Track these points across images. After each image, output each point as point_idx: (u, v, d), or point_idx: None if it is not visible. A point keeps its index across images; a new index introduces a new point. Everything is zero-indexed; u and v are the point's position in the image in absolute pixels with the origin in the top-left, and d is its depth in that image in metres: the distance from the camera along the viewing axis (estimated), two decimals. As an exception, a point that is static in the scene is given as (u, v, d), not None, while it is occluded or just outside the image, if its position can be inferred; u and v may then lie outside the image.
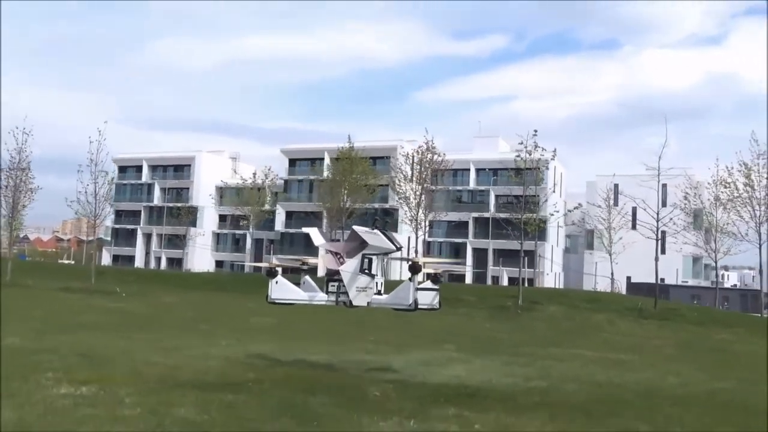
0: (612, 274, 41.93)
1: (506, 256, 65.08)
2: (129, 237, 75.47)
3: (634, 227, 47.81)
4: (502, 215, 57.14)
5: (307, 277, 8.80)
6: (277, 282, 8.39)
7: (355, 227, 8.02)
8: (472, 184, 67.42)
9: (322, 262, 8.20)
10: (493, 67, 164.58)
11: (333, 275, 8.05)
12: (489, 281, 65.38)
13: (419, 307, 7.70)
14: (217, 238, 74.63)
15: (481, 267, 66.84)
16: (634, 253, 54.62)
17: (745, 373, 11.33)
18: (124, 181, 74.77)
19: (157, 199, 75.37)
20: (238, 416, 5.92)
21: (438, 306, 7.74)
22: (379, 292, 7.87)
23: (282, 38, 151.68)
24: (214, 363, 9.26)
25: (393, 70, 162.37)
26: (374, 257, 7.89)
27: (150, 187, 76.30)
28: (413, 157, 35.01)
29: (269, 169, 61.40)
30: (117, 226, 75.53)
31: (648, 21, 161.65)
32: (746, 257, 29.95)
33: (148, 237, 75.20)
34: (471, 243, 66.79)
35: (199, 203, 71.48)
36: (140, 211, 75.18)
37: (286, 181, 66.59)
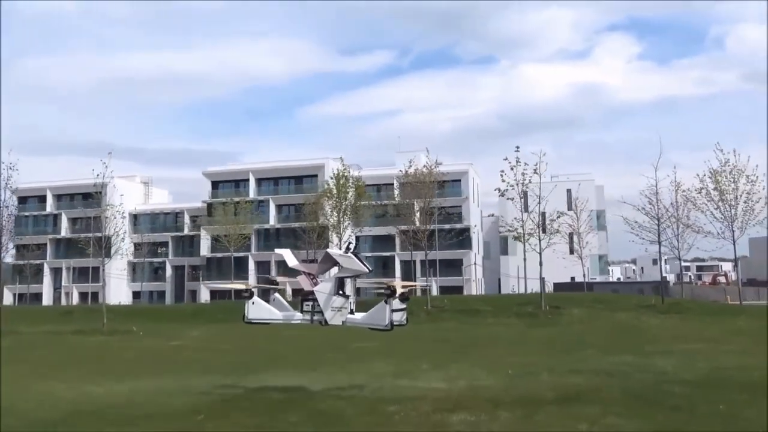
0: (541, 275, 44.00)
1: (434, 267, 66.61)
2: (34, 273, 70.60)
3: (544, 231, 50.65)
4: (427, 227, 58.69)
5: (277, 295, 8.93)
6: (253, 302, 8.51)
7: (329, 250, 8.40)
8: (396, 198, 68.42)
9: (301, 284, 8.41)
10: (379, 82, 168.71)
11: (307, 295, 8.28)
12: (418, 292, 66.55)
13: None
14: (133, 267, 71.32)
15: (410, 278, 67.91)
16: (546, 255, 57.83)
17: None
18: (26, 213, 69.95)
19: (64, 230, 71.11)
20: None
21: (405, 322, 7.96)
22: (351, 311, 8.13)
23: (167, 55, 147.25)
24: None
25: (282, 87, 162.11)
26: (348, 279, 8.25)
27: (56, 217, 71.91)
28: (338, 173, 35.16)
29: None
30: (20, 262, 70.52)
31: (521, 38, 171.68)
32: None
33: (56, 271, 70.73)
34: (399, 255, 67.68)
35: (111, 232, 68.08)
36: (46, 244, 70.56)
37: (209, 205, 64.81)
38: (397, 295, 7.89)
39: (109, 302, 60.62)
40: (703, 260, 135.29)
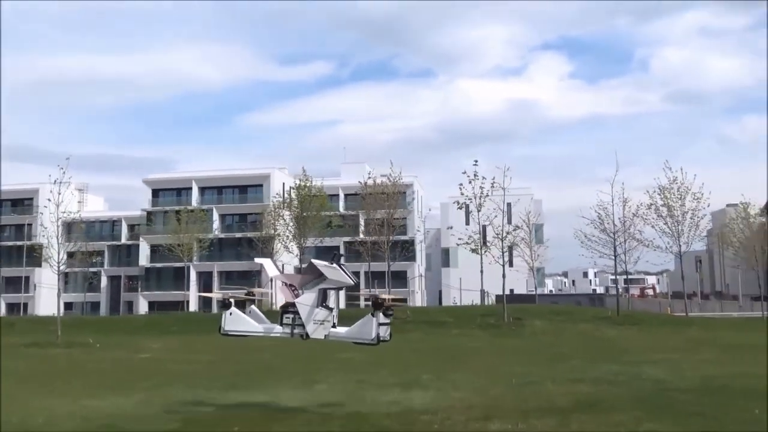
0: (504, 288, 44.96)
1: (379, 278, 66.77)
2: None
3: (484, 244, 51.87)
4: (372, 238, 58.97)
5: (254, 308, 8.48)
6: (231, 314, 8.07)
7: (313, 260, 8.00)
8: (341, 209, 68.38)
9: (281, 294, 8.12)
10: (318, 92, 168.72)
11: (288, 307, 7.88)
12: (362, 304, 66.54)
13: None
14: (66, 277, 68.20)
15: (355, 289, 67.76)
16: (485, 267, 59.13)
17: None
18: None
19: (-10, 238, 67.42)
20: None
21: (389, 338, 7.74)
22: (334, 325, 7.79)
23: (96, 58, 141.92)
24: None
25: (217, 94, 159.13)
26: (331, 290, 7.93)
27: (-20, 224, 68.13)
28: (286, 186, 35.09)
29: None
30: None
31: (459, 53, 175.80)
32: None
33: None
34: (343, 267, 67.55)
35: (44, 240, 65.05)
36: (-31, 252, 66.67)
37: (149, 213, 62.87)
38: (383, 308, 7.61)
39: (39, 313, 57.93)
40: (630, 273, 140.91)
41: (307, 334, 7.74)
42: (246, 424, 7.80)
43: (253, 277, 58.94)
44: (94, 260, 69.46)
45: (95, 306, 66.78)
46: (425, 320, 25.81)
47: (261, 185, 62.82)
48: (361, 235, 64.31)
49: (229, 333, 8.15)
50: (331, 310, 7.75)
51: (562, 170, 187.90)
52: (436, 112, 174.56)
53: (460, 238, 32.14)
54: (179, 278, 61.61)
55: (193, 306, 60.46)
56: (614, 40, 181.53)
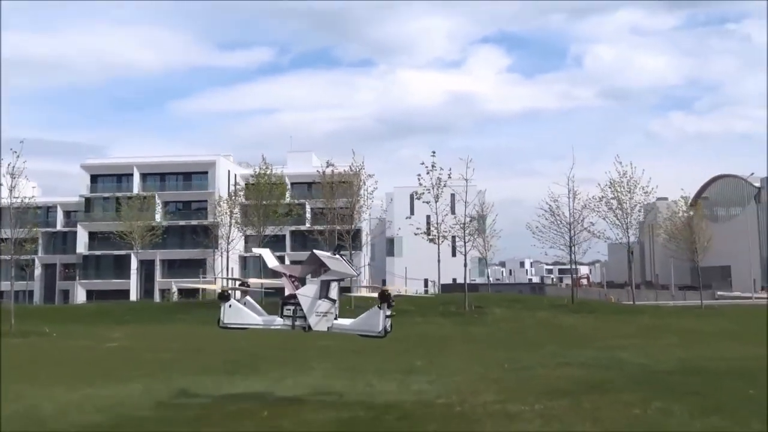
0: (466, 276, 45.81)
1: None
2: None
3: (428, 233, 52.87)
4: (319, 227, 58.94)
5: (249, 298, 8.30)
6: (230, 306, 7.84)
7: (315, 251, 7.91)
8: (288, 198, 67.81)
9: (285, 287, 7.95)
10: (257, 79, 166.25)
11: (289, 299, 7.74)
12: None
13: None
14: (-3, 265, 65.12)
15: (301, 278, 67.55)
16: (430, 256, 60.25)
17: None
18: None
19: None
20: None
21: (390, 329, 7.74)
22: (335, 317, 7.69)
23: (23, 38, 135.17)
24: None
25: (153, 79, 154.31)
26: (333, 282, 7.70)
27: None
28: (232, 173, 34.74)
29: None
30: None
31: (400, 44, 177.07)
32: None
33: None
34: (289, 256, 67.07)
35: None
36: None
37: (87, 199, 60.63)
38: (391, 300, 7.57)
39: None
40: (563, 264, 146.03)
41: (309, 326, 7.64)
42: (276, 410, 7.87)
43: (198, 266, 57.94)
44: (27, 247, 66.82)
45: (29, 295, 64.06)
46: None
47: (206, 172, 61.58)
48: (307, 224, 64.50)
49: (229, 326, 7.98)
50: (334, 301, 7.62)
51: (498, 162, 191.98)
52: (376, 102, 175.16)
53: (418, 228, 32.62)
54: (120, 267, 59.82)
55: (133, 295, 58.83)
56: (550, 36, 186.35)
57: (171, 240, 62.70)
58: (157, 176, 61.88)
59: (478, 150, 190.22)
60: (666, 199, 62.34)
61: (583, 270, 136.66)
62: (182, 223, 60.61)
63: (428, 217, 61.51)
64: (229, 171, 63.33)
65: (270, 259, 8.49)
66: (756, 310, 29.38)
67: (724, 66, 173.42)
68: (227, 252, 41.46)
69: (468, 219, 32.00)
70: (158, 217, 62.28)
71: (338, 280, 7.81)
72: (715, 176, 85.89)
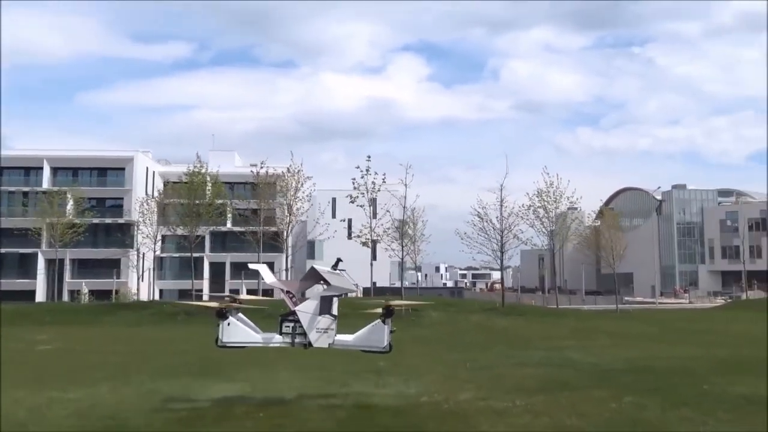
0: (402, 278, 46.06)
1: (244, 269, 65.73)
2: None
3: (350, 237, 53.49)
4: (240, 228, 58.11)
5: (242, 315, 8.14)
6: (229, 324, 7.72)
7: (315, 266, 7.94)
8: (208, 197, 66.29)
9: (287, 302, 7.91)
10: (174, 74, 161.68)
11: (288, 315, 7.72)
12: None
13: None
14: None
15: (219, 281, 66.26)
16: (350, 261, 60.54)
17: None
18: None
19: None
20: None
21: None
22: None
23: None
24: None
25: (60, 67, 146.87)
26: (335, 297, 7.70)
27: None
28: (150, 171, 33.90)
29: None
30: None
31: (323, 46, 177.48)
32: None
33: None
34: (208, 257, 65.61)
35: None
36: None
37: (-9, 193, 56.97)
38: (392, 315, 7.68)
39: None
40: (476, 269, 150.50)
41: (309, 343, 7.63)
42: (269, 411, 7.89)
43: (112, 266, 55.55)
44: None
45: None
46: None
47: (123, 169, 59.25)
48: (229, 225, 63.25)
49: (227, 345, 7.87)
50: (335, 317, 7.62)
51: (416, 168, 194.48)
52: (297, 103, 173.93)
53: (360, 233, 32.71)
54: (25, 265, 56.48)
55: (40, 296, 55.63)
56: (470, 48, 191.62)
57: (83, 238, 59.87)
58: (69, 171, 58.88)
59: (397, 156, 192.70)
60: (576, 209, 65.80)
61: (496, 275, 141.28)
62: (96, 221, 57.94)
63: (350, 220, 62.36)
64: (147, 168, 61.21)
65: (267, 275, 8.44)
66: (665, 314, 31.56)
67: (628, 86, 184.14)
68: (153, 252, 40.10)
69: (401, 223, 32.54)
70: (71, 213, 59.54)
71: (338, 296, 7.82)
72: (621, 189, 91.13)
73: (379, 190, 31.04)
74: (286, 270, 70.20)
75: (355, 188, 30.86)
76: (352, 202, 31.64)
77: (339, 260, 8.22)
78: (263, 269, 8.60)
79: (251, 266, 9.17)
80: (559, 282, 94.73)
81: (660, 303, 52.00)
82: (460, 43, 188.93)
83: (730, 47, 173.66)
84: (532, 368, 11.75)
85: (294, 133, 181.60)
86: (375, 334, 7.72)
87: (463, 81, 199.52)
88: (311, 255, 78.84)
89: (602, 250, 39.01)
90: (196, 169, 32.19)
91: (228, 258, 67.99)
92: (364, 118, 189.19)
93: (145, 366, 12.75)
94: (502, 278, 33.59)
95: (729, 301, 53.76)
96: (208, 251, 65.70)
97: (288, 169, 31.37)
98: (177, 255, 63.92)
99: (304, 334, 7.60)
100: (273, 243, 42.84)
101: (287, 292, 8.02)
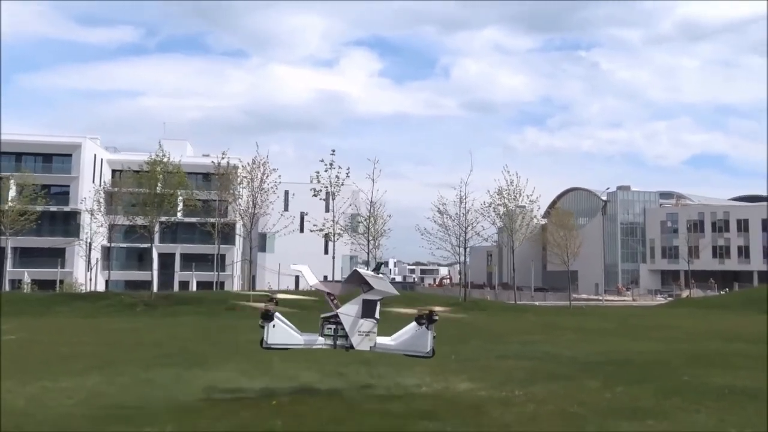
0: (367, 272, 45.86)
1: (195, 260, 64.76)
2: None
3: (302, 230, 53.49)
4: (191, 219, 57.23)
5: (279, 314, 8.04)
6: (274, 326, 7.72)
7: (358, 269, 8.12)
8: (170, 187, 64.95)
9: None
10: (119, 59, 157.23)
11: (329, 318, 7.83)
12: (177, 287, 64.05)
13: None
14: None
15: (168, 272, 65.05)
16: (301, 254, 60.57)
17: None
18: None
19: None
20: None
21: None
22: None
23: None
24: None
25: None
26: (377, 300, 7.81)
27: None
28: (98, 158, 33.20)
29: None
30: None
31: (274, 38, 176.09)
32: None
33: None
34: (157, 248, 64.09)
35: None
36: None
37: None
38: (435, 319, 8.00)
39: None
40: (425, 264, 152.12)
41: (351, 346, 7.79)
42: (285, 401, 7.94)
43: (56, 255, 53.78)
44: None
45: None
46: (289, 303, 26.12)
47: (70, 155, 57.35)
48: (179, 215, 62.03)
49: (272, 346, 7.81)
50: (377, 321, 7.78)
51: (366, 164, 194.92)
52: (246, 94, 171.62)
53: (314, 225, 32.75)
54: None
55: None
56: (422, 45, 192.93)
57: (35, 226, 57.63)
58: (12, 156, 56.60)
59: (346, 150, 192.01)
60: (524, 207, 67.40)
61: (443, 271, 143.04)
62: (40, 208, 55.90)
63: (302, 213, 61.97)
64: (95, 155, 59.44)
65: (310, 276, 8.35)
66: (616, 310, 32.78)
67: (573, 89, 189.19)
68: (109, 241, 39.06)
69: (368, 218, 32.74)
70: (15, 200, 57.17)
71: (380, 300, 7.91)
72: (568, 188, 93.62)
73: (342, 184, 31.09)
74: (245, 261, 69.50)
75: (319, 181, 30.81)
76: (315, 195, 31.59)
77: (380, 264, 8.51)
78: (305, 270, 8.46)
79: (293, 267, 9.02)
80: (506, 278, 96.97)
81: (605, 300, 53.85)
82: (413, 40, 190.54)
83: (669, 56, 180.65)
84: (515, 360, 12.10)
85: (242, 124, 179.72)
86: (419, 339, 8.00)
87: (414, 77, 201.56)
88: (262, 248, 78.21)
89: (555, 247, 40.07)
90: (158, 158, 31.49)
91: (178, 249, 66.90)
92: (313, 111, 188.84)
93: (126, 356, 12.57)
94: (463, 274, 34.16)
95: (670, 299, 56.15)
96: (158, 242, 64.28)
97: (253, 160, 31.06)
98: (125, 245, 62.43)
99: (345, 336, 7.74)
100: (226, 235, 42.26)
101: (329, 294, 8.12)
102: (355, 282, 7.99)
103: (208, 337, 16.91)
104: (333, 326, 7.79)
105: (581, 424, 6.86)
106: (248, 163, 31.24)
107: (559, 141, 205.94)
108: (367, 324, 7.72)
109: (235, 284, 69.32)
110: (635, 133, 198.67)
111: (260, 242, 79.82)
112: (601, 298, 57.15)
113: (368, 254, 29.86)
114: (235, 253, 67.68)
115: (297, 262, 8.52)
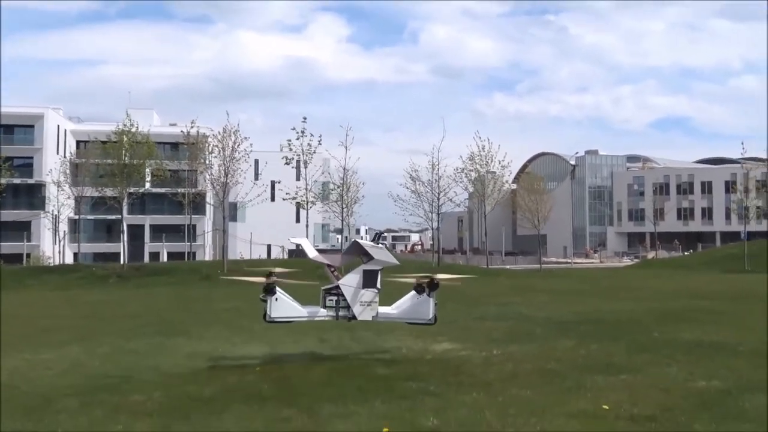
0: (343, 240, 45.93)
1: (164, 231, 64.19)
2: None
3: (273, 199, 53.39)
4: (160, 190, 56.56)
5: (279, 289, 8.01)
6: (276, 299, 7.76)
7: (358, 240, 8.18)
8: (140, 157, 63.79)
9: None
10: (78, 26, 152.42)
11: (331, 289, 7.91)
12: (147, 258, 63.44)
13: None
14: None
15: (137, 244, 64.31)
16: (273, 222, 60.68)
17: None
18: None
19: None
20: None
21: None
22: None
23: None
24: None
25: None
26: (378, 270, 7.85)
27: None
28: (122, 129, 32.51)
29: None
30: None
31: (240, 3, 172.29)
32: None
33: None
34: (126, 219, 63.24)
35: None
36: None
37: None
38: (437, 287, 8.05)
39: None
40: (396, 231, 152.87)
41: (353, 316, 7.85)
42: (277, 367, 8.06)
43: (21, 229, 52.80)
44: None
45: None
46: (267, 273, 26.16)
47: (32, 126, 55.87)
48: (148, 186, 61.16)
49: (276, 320, 7.83)
50: (378, 290, 7.83)
51: (334, 131, 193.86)
52: (211, 61, 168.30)
53: (287, 193, 32.61)
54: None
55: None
56: (390, 10, 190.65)
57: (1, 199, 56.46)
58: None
59: (316, 117, 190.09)
60: (494, 173, 68.10)
61: (414, 237, 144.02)
62: (3, 181, 54.56)
63: (273, 182, 61.53)
64: (58, 126, 58.02)
65: (310, 249, 8.39)
66: (586, 272, 33.50)
67: (542, 54, 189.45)
68: (78, 213, 38.49)
69: (341, 185, 32.66)
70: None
71: (380, 270, 7.93)
72: (538, 153, 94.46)
73: (315, 152, 30.95)
74: (216, 230, 69.05)
75: (291, 149, 30.60)
76: (288, 163, 31.40)
77: (379, 234, 8.51)
78: (305, 243, 8.53)
79: (292, 240, 9.03)
80: (477, 243, 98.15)
81: (574, 263, 54.94)
82: (381, 5, 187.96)
83: (635, 20, 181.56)
84: (492, 322, 12.39)
85: (208, 92, 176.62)
86: (420, 306, 8.05)
87: (382, 43, 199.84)
88: (234, 217, 77.55)
89: (525, 211, 40.61)
90: (126, 128, 30.89)
91: (147, 220, 66.14)
92: (281, 78, 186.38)
93: (106, 328, 12.56)
94: (437, 239, 34.50)
95: (636, 260, 57.49)
96: (126, 213, 63.40)
97: (224, 129, 30.65)
98: (92, 217, 61.44)
99: (347, 307, 7.79)
100: (197, 205, 41.95)
101: (329, 266, 8.17)
102: (355, 253, 8.07)
103: (185, 307, 16.91)
104: (335, 298, 7.84)
105: (559, 380, 7.11)
106: (219, 132, 30.77)
107: (527, 106, 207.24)
108: (368, 294, 7.77)
109: (207, 254, 68.96)
110: (602, 97, 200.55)
111: (231, 212, 79.31)
112: (569, 260, 58.26)
113: (342, 222, 29.91)
114: (206, 224, 67.11)
115: (268, 231, 8.37)
